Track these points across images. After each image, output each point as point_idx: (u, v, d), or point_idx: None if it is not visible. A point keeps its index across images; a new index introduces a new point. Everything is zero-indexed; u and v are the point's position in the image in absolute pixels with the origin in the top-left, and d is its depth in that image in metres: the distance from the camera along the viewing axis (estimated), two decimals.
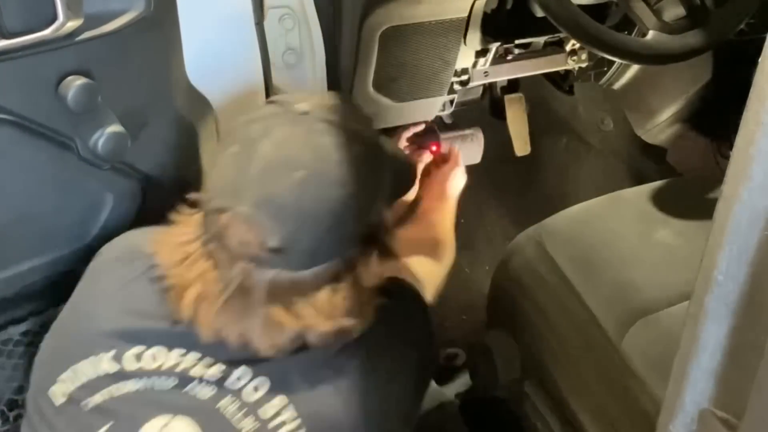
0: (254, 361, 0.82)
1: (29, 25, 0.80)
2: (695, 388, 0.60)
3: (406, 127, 1.48)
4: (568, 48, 1.47)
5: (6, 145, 0.87)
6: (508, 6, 1.31)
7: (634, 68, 1.82)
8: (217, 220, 0.79)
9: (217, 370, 0.82)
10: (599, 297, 1.20)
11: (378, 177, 0.85)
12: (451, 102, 1.46)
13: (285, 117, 0.82)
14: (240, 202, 0.78)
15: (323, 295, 0.81)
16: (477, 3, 1.24)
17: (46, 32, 0.81)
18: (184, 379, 0.81)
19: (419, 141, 1.48)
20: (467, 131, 1.59)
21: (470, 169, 1.62)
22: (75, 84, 0.86)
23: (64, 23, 0.81)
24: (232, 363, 0.82)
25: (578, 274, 1.23)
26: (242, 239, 0.77)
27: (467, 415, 1.52)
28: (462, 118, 1.58)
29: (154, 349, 0.83)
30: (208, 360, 0.82)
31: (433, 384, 1.51)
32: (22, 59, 0.82)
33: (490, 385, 1.40)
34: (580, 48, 1.47)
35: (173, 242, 0.84)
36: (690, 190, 1.44)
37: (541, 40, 1.44)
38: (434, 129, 1.51)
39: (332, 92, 1.01)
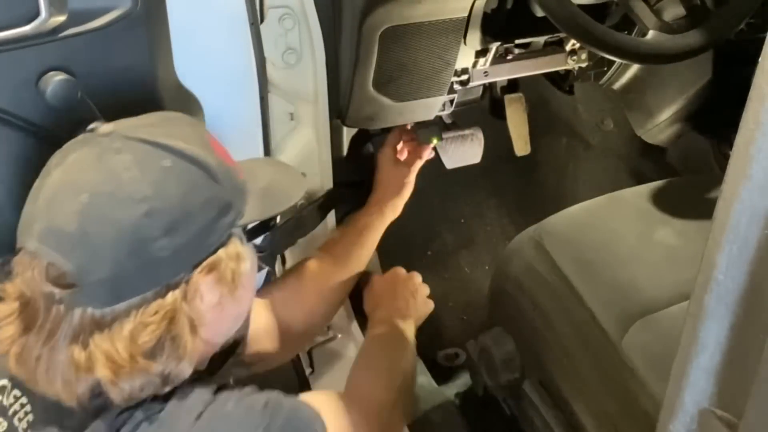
0: (61, 416, 0.76)
1: (11, 20, 0.81)
2: (695, 387, 0.60)
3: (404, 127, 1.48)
4: (568, 48, 1.47)
5: None
6: (508, 6, 1.31)
7: (634, 68, 1.82)
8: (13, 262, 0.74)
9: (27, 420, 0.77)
10: (599, 297, 1.20)
11: (201, 191, 0.77)
12: (451, 102, 1.46)
13: (84, 141, 0.77)
14: (28, 238, 0.73)
15: (131, 333, 0.73)
16: (477, 3, 1.24)
17: (27, 28, 0.81)
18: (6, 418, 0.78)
19: (420, 134, 1.49)
20: (467, 131, 1.59)
21: (470, 169, 1.63)
22: (54, 80, 0.86)
23: (47, 19, 0.81)
24: (44, 418, 0.77)
25: (578, 273, 1.23)
26: (30, 278, 0.72)
27: (467, 415, 1.52)
28: (462, 118, 1.58)
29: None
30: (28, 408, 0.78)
31: (433, 384, 1.51)
32: (3, 54, 0.82)
33: (490, 385, 1.40)
34: (580, 48, 1.47)
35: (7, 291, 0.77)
36: (690, 190, 1.44)
37: (541, 40, 1.44)
38: (437, 124, 1.52)
39: (168, 112, 0.90)
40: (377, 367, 1.14)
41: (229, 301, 0.80)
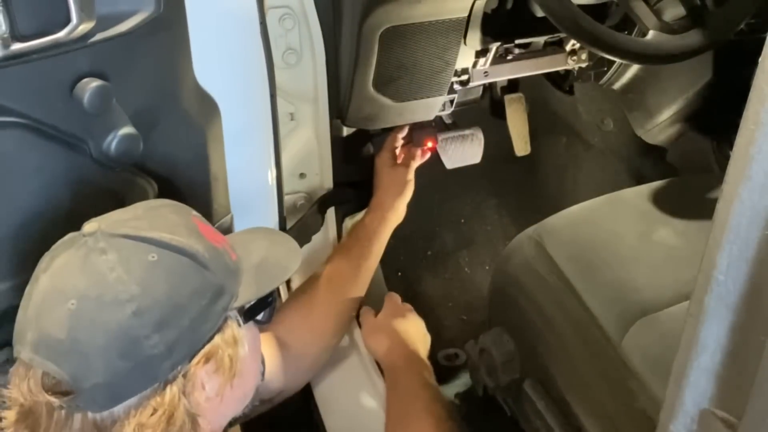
0: None
1: (43, 27, 0.80)
2: (695, 388, 0.60)
3: (401, 127, 1.48)
4: (568, 48, 1.47)
5: (20, 148, 0.86)
6: (508, 6, 1.31)
7: (634, 68, 1.82)
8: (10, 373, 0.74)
9: None
10: (599, 297, 1.20)
11: (190, 281, 0.75)
12: (451, 102, 1.46)
13: (70, 242, 0.76)
14: (23, 348, 0.72)
15: None
16: (477, 3, 1.24)
17: (60, 35, 0.80)
18: None
19: (416, 135, 1.49)
20: (467, 131, 1.59)
21: (470, 169, 1.63)
22: (90, 86, 0.85)
23: (78, 25, 0.80)
24: None
25: (578, 274, 1.23)
26: (28, 389, 0.71)
27: (467, 415, 1.52)
28: (462, 118, 1.58)
29: None
30: None
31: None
32: (36, 62, 0.81)
33: (490, 385, 1.40)
34: (580, 48, 1.48)
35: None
36: (690, 190, 1.44)
37: (541, 40, 1.44)
38: (433, 126, 1.52)
39: (152, 201, 0.89)
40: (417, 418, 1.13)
41: (230, 387, 0.79)
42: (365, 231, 1.38)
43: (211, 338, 0.76)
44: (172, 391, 0.73)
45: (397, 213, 1.42)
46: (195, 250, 0.76)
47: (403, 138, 1.48)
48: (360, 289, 1.33)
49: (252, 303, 0.84)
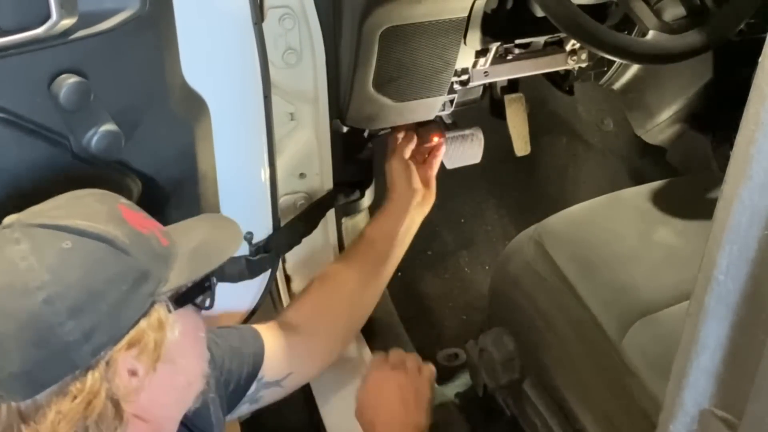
0: None
1: (22, 23, 0.80)
2: (695, 388, 0.60)
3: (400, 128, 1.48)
4: (568, 48, 1.47)
5: None
6: (508, 6, 1.31)
7: (634, 68, 1.82)
8: None
9: None
10: (599, 297, 1.20)
11: (107, 267, 0.74)
12: (451, 102, 1.46)
13: None
14: None
15: (51, 423, 0.71)
16: (477, 3, 1.24)
17: (39, 31, 0.80)
18: None
19: (421, 132, 1.49)
20: (467, 131, 1.59)
21: (470, 169, 1.63)
22: (67, 82, 0.85)
23: (58, 22, 0.80)
24: None
25: (578, 274, 1.23)
26: None
27: (467, 415, 1.52)
28: (462, 118, 1.58)
29: None
30: None
31: (433, 384, 1.51)
32: (15, 57, 0.82)
33: (490, 385, 1.40)
34: (580, 48, 1.47)
35: None
36: (690, 190, 1.44)
37: (541, 40, 1.44)
38: (438, 122, 1.52)
39: (79, 191, 0.84)
40: None
41: (159, 372, 0.78)
42: (391, 234, 1.36)
43: (136, 323, 0.75)
44: (93, 377, 0.72)
45: (422, 213, 1.42)
46: (113, 236, 0.75)
47: (406, 137, 1.48)
48: (377, 291, 1.32)
49: (187, 288, 0.83)
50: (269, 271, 1.27)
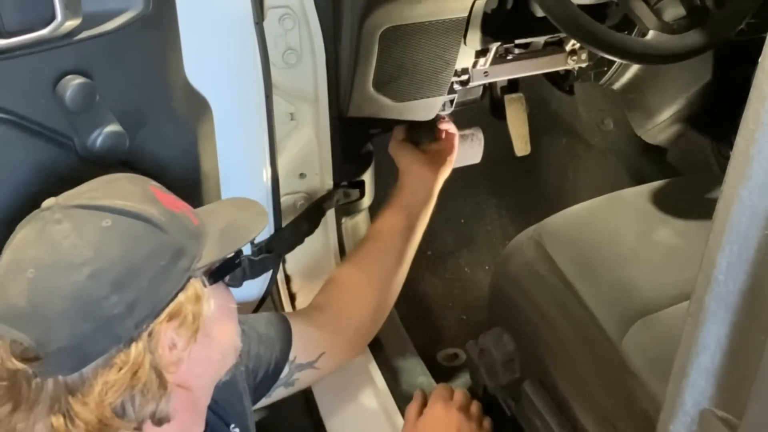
0: None
1: (27, 24, 0.80)
2: (695, 388, 0.60)
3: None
4: (568, 48, 1.47)
5: (3, 143, 0.87)
6: (508, 6, 1.31)
7: (634, 68, 1.82)
8: None
9: None
10: (599, 297, 1.20)
11: (145, 243, 0.78)
12: (451, 102, 1.46)
13: (29, 219, 0.79)
14: None
15: (98, 393, 0.74)
16: (477, 3, 1.24)
17: (44, 32, 0.80)
18: None
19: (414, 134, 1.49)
20: (467, 131, 1.59)
21: (470, 169, 1.63)
22: (73, 83, 0.86)
23: (63, 23, 0.80)
24: None
25: (578, 274, 1.23)
26: (0, 358, 0.74)
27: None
28: (462, 118, 1.58)
29: None
30: None
31: (433, 384, 1.51)
32: (20, 58, 0.82)
33: (490, 386, 1.40)
34: (580, 48, 1.47)
35: None
36: (690, 190, 1.44)
37: (541, 40, 1.44)
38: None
39: (111, 175, 0.88)
40: None
41: (198, 343, 0.81)
42: (403, 224, 1.36)
43: (175, 297, 0.78)
44: (137, 348, 0.75)
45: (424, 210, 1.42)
46: (149, 214, 0.79)
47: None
48: (405, 267, 1.34)
49: (218, 264, 0.86)
50: (271, 271, 1.27)
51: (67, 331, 0.73)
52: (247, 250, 1.19)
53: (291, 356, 1.14)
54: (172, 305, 0.78)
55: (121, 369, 0.74)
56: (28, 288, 0.73)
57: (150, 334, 0.76)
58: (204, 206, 0.94)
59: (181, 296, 0.79)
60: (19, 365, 0.73)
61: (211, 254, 0.83)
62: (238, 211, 0.93)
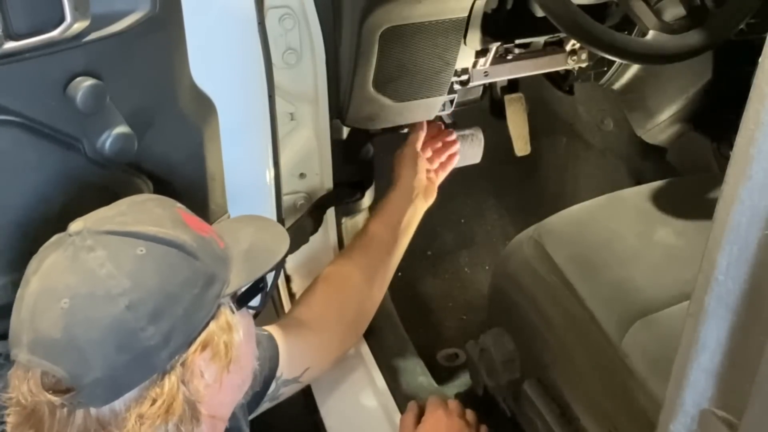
0: None
1: (37, 26, 0.80)
2: (695, 388, 0.60)
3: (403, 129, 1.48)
4: (568, 48, 1.47)
5: (13, 146, 0.86)
6: (508, 6, 1.31)
7: (634, 68, 1.82)
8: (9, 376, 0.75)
9: None
10: (599, 297, 1.20)
11: (180, 271, 0.76)
12: (451, 102, 1.46)
13: (57, 243, 0.76)
14: (19, 351, 0.73)
15: (132, 428, 0.72)
16: (477, 3, 1.24)
17: (54, 33, 0.80)
18: None
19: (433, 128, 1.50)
20: (467, 131, 1.59)
21: (470, 169, 1.63)
22: (84, 85, 0.85)
23: (72, 24, 0.80)
24: None
25: (578, 274, 1.23)
26: (28, 390, 0.72)
27: None
28: (462, 118, 1.58)
29: None
30: None
31: (433, 384, 1.51)
32: (30, 61, 0.82)
33: (490, 386, 1.40)
34: (580, 48, 1.47)
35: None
36: (690, 190, 1.44)
37: (541, 40, 1.44)
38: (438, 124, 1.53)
39: (136, 196, 0.88)
40: None
41: (227, 372, 0.80)
42: (393, 225, 1.36)
43: (206, 325, 0.77)
44: (171, 380, 0.74)
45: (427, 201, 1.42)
46: (182, 241, 0.77)
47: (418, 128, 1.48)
48: (384, 282, 1.33)
49: (244, 289, 0.85)
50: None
51: (103, 362, 0.71)
52: None
53: (278, 373, 1.13)
54: (204, 334, 0.76)
55: (155, 402, 0.73)
56: (63, 319, 0.71)
57: (183, 365, 0.75)
58: (221, 224, 0.93)
59: (212, 325, 0.77)
60: (51, 398, 0.71)
61: (238, 279, 0.82)
62: (258, 232, 0.92)
